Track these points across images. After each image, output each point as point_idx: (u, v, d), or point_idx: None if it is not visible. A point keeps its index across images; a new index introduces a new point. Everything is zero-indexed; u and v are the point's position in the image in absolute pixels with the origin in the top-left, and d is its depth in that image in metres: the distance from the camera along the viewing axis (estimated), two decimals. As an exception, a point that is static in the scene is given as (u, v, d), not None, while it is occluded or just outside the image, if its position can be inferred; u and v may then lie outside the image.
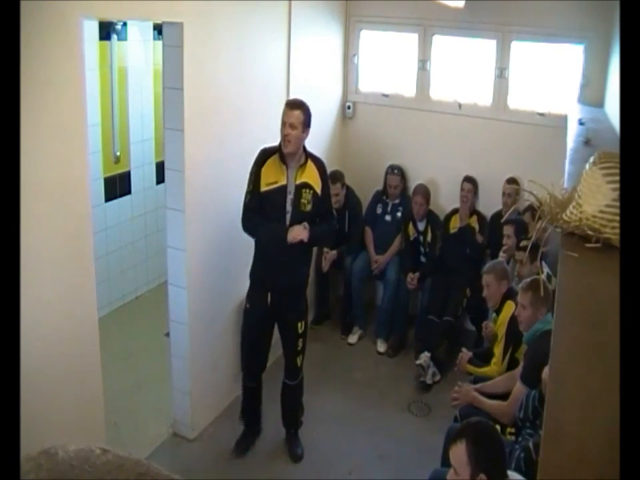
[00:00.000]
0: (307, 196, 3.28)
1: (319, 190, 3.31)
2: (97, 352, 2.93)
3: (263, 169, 3.25)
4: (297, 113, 3.16)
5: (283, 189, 3.25)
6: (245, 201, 3.29)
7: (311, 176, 3.30)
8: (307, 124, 3.20)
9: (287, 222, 3.25)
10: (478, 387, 3.25)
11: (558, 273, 1.41)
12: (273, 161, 3.25)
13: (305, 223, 3.23)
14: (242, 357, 3.65)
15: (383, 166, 5.00)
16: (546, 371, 2.35)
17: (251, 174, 3.27)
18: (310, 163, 3.30)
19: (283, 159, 3.23)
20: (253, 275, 3.47)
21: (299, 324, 3.49)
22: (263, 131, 4.05)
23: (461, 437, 2.03)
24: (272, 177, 3.25)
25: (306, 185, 3.28)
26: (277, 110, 4.20)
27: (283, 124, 3.17)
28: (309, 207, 3.28)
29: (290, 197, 3.26)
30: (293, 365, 3.59)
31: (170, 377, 3.71)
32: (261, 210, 3.25)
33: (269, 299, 3.41)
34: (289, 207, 3.26)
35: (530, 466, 2.37)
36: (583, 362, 1.11)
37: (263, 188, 3.24)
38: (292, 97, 4.32)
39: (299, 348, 3.55)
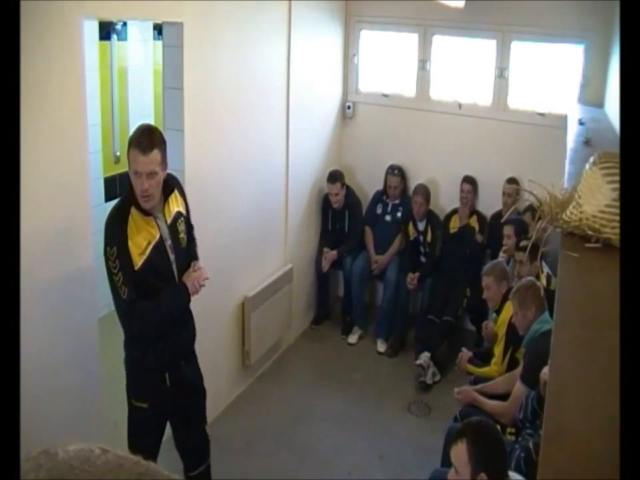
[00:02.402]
0: (181, 227, 2.58)
1: (184, 211, 2.63)
2: (97, 352, 2.93)
3: (130, 241, 2.36)
4: (154, 154, 2.30)
5: (160, 242, 2.46)
6: (121, 299, 2.37)
7: (176, 201, 2.58)
8: (165, 159, 2.39)
9: (175, 274, 2.54)
10: (478, 387, 3.25)
11: (558, 273, 1.41)
12: (133, 220, 2.39)
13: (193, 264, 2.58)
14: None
15: (383, 166, 5.00)
16: (545, 372, 2.35)
17: (114, 256, 2.33)
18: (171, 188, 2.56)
19: (144, 210, 2.42)
20: (143, 361, 2.57)
21: (202, 381, 2.86)
22: (263, 131, 4.07)
23: (461, 436, 2.03)
24: (142, 240, 2.40)
25: (178, 216, 2.57)
26: (276, 110, 4.24)
27: (136, 174, 2.31)
28: (184, 240, 2.59)
29: (168, 243, 2.50)
30: (204, 438, 2.88)
31: (170, 377, 3.70)
32: (145, 288, 2.41)
33: (167, 381, 2.63)
34: (171, 256, 2.52)
35: (530, 466, 2.37)
36: (583, 362, 1.11)
37: (138, 263, 2.37)
38: (292, 96, 4.32)
39: (205, 412, 2.88)
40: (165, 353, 2.58)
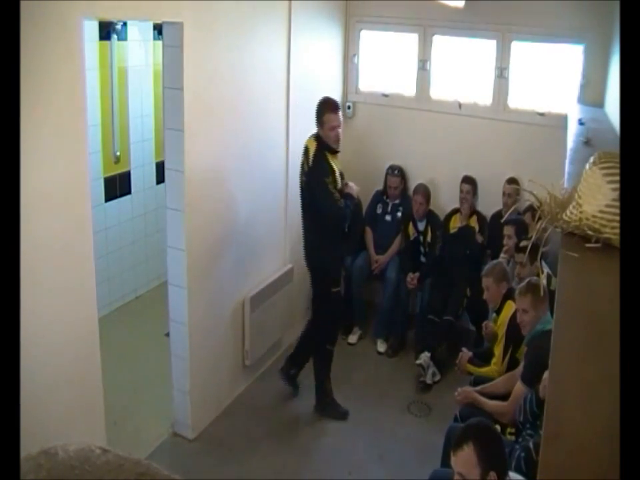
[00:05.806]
0: None
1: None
2: (97, 352, 2.93)
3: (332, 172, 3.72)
4: (340, 114, 3.75)
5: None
6: (340, 206, 3.65)
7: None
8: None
9: None
10: (478, 389, 3.25)
11: (558, 273, 1.41)
12: (328, 159, 3.70)
13: None
14: (333, 332, 4.04)
15: (383, 166, 5.00)
16: (546, 377, 2.35)
17: (330, 181, 3.63)
18: None
19: (335, 151, 3.76)
20: (342, 254, 4.05)
21: None
22: (263, 131, 4.07)
23: (465, 441, 2.02)
24: (335, 170, 3.75)
25: None
26: (276, 109, 4.24)
27: (333, 128, 3.63)
28: None
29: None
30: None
31: (170, 377, 3.71)
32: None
33: None
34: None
35: (530, 466, 2.37)
36: (582, 362, 1.11)
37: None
38: (292, 96, 4.33)
39: None
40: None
